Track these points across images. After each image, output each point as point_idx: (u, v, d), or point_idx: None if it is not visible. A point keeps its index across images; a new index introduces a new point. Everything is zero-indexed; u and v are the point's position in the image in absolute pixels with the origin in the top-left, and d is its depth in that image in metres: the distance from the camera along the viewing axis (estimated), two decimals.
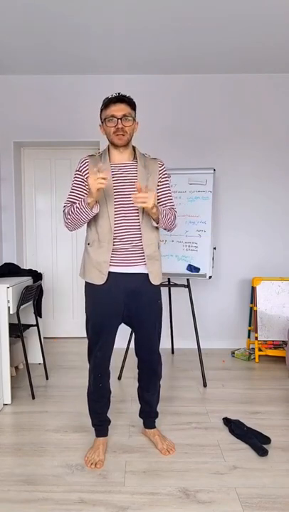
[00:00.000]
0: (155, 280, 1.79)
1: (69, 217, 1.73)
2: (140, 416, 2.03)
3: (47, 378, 2.82)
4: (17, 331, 2.50)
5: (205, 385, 2.70)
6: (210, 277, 2.83)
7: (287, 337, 3.11)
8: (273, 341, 3.30)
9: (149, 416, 2.00)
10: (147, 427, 2.01)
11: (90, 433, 2.04)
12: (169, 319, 3.41)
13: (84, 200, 1.66)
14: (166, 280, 3.12)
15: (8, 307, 2.39)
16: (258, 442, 1.94)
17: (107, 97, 1.71)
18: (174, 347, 3.55)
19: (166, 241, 2.94)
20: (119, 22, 2.63)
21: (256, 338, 3.27)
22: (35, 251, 3.85)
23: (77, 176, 1.80)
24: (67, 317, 3.88)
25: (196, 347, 3.34)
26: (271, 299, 3.34)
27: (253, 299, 3.38)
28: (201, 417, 2.26)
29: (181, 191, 2.95)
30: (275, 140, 3.49)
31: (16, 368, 2.94)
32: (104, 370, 1.84)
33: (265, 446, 1.92)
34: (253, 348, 3.42)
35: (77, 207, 1.68)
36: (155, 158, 1.86)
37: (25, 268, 3.33)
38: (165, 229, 1.85)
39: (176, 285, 2.90)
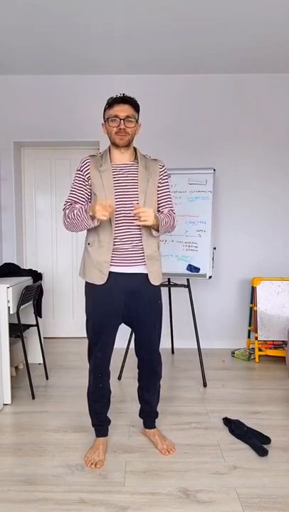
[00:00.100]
0: (155, 280, 1.80)
1: (69, 220, 1.74)
2: (140, 416, 2.03)
3: (47, 378, 2.82)
4: (17, 331, 2.50)
5: (205, 385, 2.70)
6: (210, 277, 2.83)
7: (287, 337, 3.11)
8: (273, 341, 3.30)
9: (149, 416, 2.00)
10: (147, 427, 2.01)
11: (90, 433, 2.04)
12: (169, 319, 3.41)
13: (86, 211, 1.67)
14: (166, 280, 3.13)
15: (8, 307, 2.39)
16: (258, 442, 1.94)
17: (112, 97, 1.71)
18: (174, 347, 3.55)
19: (166, 241, 2.94)
20: (119, 22, 2.63)
21: (256, 338, 3.27)
22: (35, 251, 3.85)
23: (78, 175, 1.80)
24: (67, 317, 3.88)
25: (196, 347, 3.34)
26: (271, 299, 3.34)
27: (253, 299, 3.38)
28: (201, 417, 2.26)
29: (181, 191, 2.95)
30: (275, 140, 3.49)
31: (16, 368, 2.94)
32: (104, 370, 1.84)
33: (265, 446, 1.92)
34: (253, 348, 3.42)
35: (78, 215, 1.69)
36: (156, 160, 1.86)
37: (25, 268, 3.33)
38: (164, 232, 1.86)
39: (176, 285, 2.90)
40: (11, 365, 2.80)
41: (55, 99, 3.49)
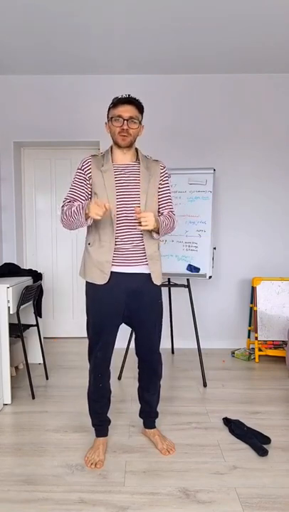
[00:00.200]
0: (157, 280, 1.80)
1: (66, 217, 1.74)
2: (140, 416, 2.03)
3: (47, 378, 2.82)
4: (17, 331, 2.50)
5: (205, 385, 2.70)
6: (210, 277, 2.83)
7: (287, 337, 3.11)
8: (273, 341, 3.30)
9: (149, 416, 2.00)
10: (147, 426, 2.01)
11: (90, 433, 2.04)
12: (169, 319, 3.41)
13: (82, 208, 1.66)
14: (166, 280, 3.12)
15: (8, 307, 2.39)
16: (258, 442, 1.94)
17: (117, 97, 1.72)
18: (174, 347, 3.55)
19: (166, 241, 2.94)
20: (119, 22, 2.63)
21: (256, 338, 3.27)
22: (35, 251, 3.85)
23: (78, 173, 1.80)
24: (67, 317, 3.88)
25: (196, 347, 3.34)
26: (271, 299, 3.34)
27: (253, 299, 3.38)
28: (201, 417, 2.26)
29: (181, 191, 2.95)
30: (275, 140, 3.49)
31: (16, 368, 2.94)
32: (104, 370, 1.84)
33: (265, 446, 1.92)
34: (253, 348, 3.42)
35: (75, 212, 1.69)
36: (157, 161, 1.87)
37: (25, 268, 3.33)
38: (164, 234, 1.86)
39: (176, 285, 2.90)
40: (11, 365, 2.80)
41: (55, 99, 3.49)
